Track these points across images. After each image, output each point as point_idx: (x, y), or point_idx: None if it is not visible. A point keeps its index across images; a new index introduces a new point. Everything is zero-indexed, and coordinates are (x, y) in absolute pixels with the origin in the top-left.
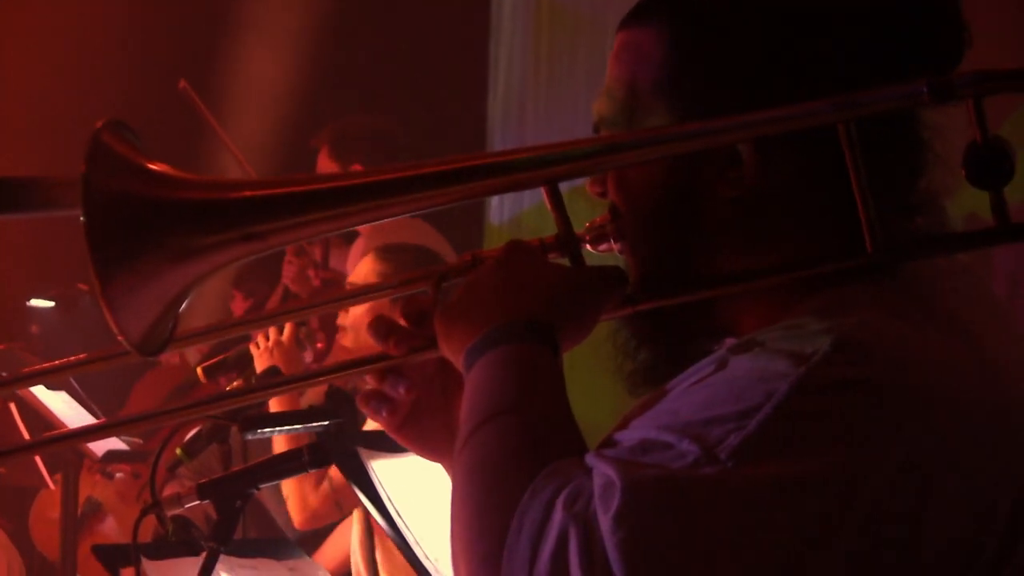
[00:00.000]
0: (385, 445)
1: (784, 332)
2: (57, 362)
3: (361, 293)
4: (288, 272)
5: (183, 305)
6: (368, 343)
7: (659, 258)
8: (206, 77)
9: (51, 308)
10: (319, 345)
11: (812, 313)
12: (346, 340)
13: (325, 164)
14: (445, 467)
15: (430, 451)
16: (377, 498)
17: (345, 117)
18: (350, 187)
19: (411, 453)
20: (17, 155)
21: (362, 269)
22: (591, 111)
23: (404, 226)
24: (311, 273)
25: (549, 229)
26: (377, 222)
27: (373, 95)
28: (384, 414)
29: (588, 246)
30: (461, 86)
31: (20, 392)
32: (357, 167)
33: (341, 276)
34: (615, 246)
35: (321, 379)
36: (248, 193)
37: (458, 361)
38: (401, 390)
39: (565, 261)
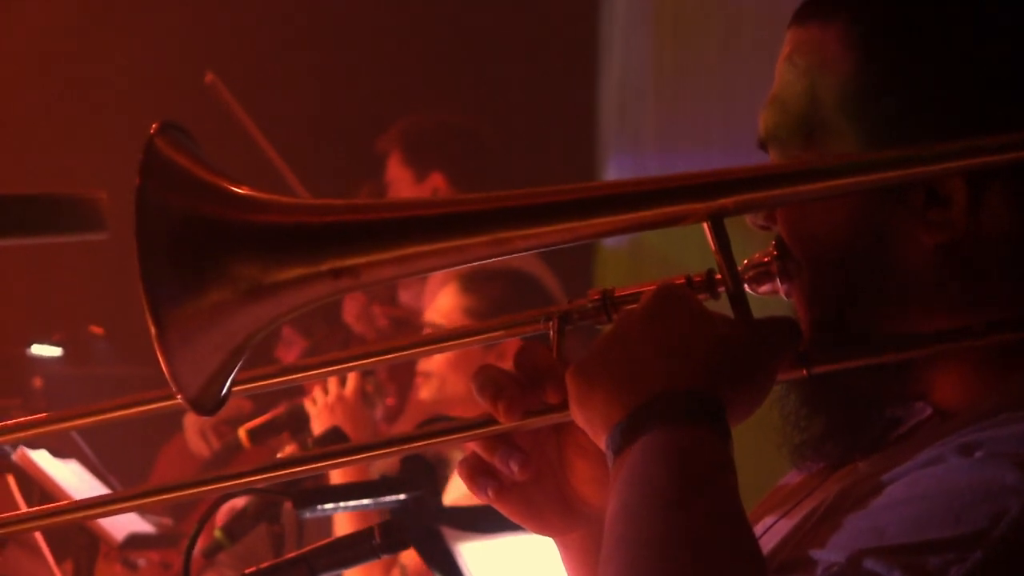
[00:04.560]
0: (476, 524)
1: (1012, 428)
2: (83, 408)
3: (455, 337)
4: (350, 309)
5: (246, 355)
6: (454, 395)
7: (842, 312)
8: (238, 69)
9: (57, 357)
10: (389, 401)
11: None
12: (425, 392)
13: (397, 173)
14: (557, 543)
15: (539, 525)
16: None
17: (419, 114)
18: (467, 214)
19: (509, 534)
20: (24, 166)
21: (443, 303)
22: (727, 105)
23: None
24: (376, 311)
25: (675, 255)
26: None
27: (454, 85)
28: (490, 493)
29: (746, 286)
30: (566, 73)
31: (20, 461)
32: (437, 176)
33: (414, 314)
34: (780, 288)
35: (409, 447)
36: (339, 218)
37: (598, 436)
38: (514, 467)
39: (713, 302)
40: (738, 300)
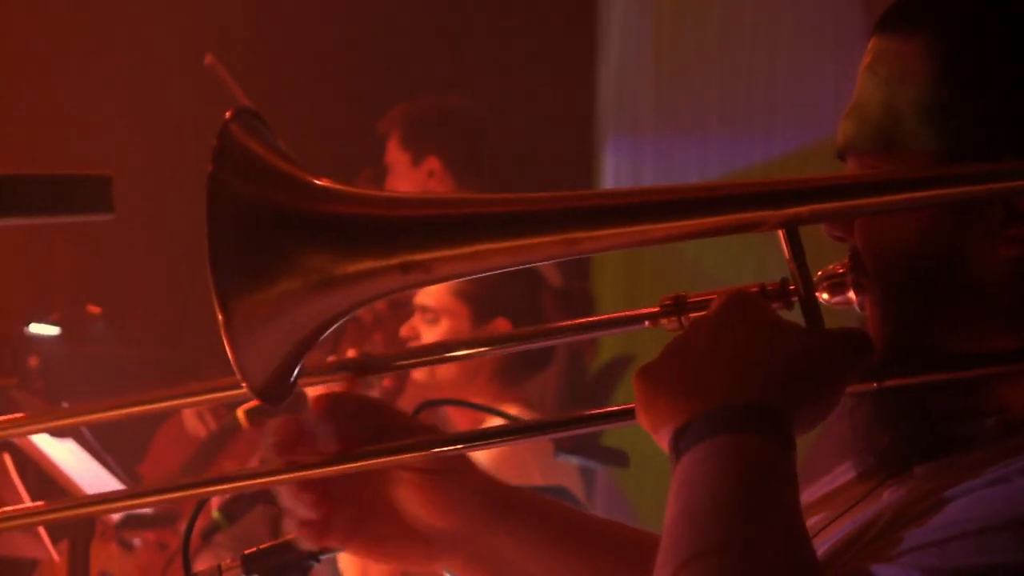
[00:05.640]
0: None
1: None
2: (138, 396)
3: (571, 331)
4: None
5: (313, 347)
6: (444, 378)
7: (915, 327)
8: (238, 51)
9: (54, 336)
10: (386, 383)
11: None
12: (418, 373)
13: (396, 156)
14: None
15: (402, 559)
16: None
17: (420, 96)
18: (540, 213)
19: None
20: (24, 147)
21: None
22: (725, 89)
23: None
24: None
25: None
26: (564, 258)
27: (453, 69)
28: (305, 534)
29: (819, 296)
30: (563, 59)
31: (16, 440)
32: (433, 160)
33: (412, 296)
34: (853, 298)
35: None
36: (412, 212)
37: (660, 439)
38: (305, 506)
39: (786, 312)
40: (810, 310)
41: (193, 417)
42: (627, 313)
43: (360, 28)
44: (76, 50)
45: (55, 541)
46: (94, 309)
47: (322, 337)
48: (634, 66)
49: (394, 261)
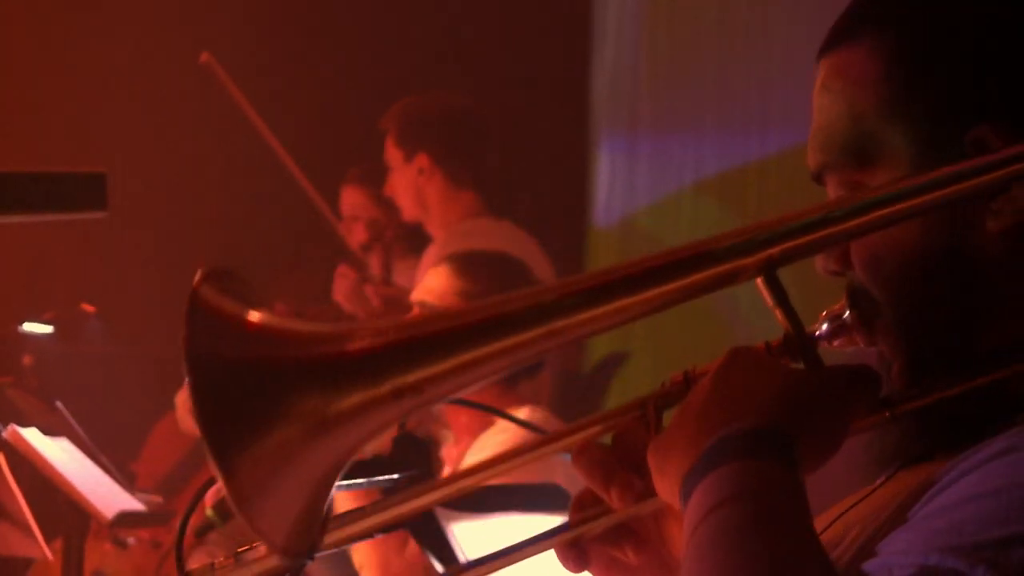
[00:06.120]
0: (468, 503)
1: None
2: None
3: (552, 440)
4: (340, 287)
5: (333, 489)
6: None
7: (933, 334)
8: (233, 49)
9: (48, 334)
10: None
11: None
12: None
13: (391, 152)
14: None
15: None
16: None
17: (419, 94)
18: (516, 313)
19: (500, 514)
20: (19, 146)
21: (433, 282)
22: (721, 85)
23: (487, 228)
24: (369, 291)
25: (667, 232)
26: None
27: (447, 65)
28: (593, 570)
29: (823, 343)
30: (558, 56)
31: (10, 439)
32: (423, 157)
33: (407, 294)
34: (860, 339)
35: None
36: (391, 339)
37: (675, 498)
38: (630, 553)
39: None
40: (805, 348)
41: (188, 415)
42: (653, 395)
43: (354, 27)
44: (71, 48)
45: (49, 539)
46: (88, 308)
47: (337, 482)
48: (629, 63)
49: (384, 389)
